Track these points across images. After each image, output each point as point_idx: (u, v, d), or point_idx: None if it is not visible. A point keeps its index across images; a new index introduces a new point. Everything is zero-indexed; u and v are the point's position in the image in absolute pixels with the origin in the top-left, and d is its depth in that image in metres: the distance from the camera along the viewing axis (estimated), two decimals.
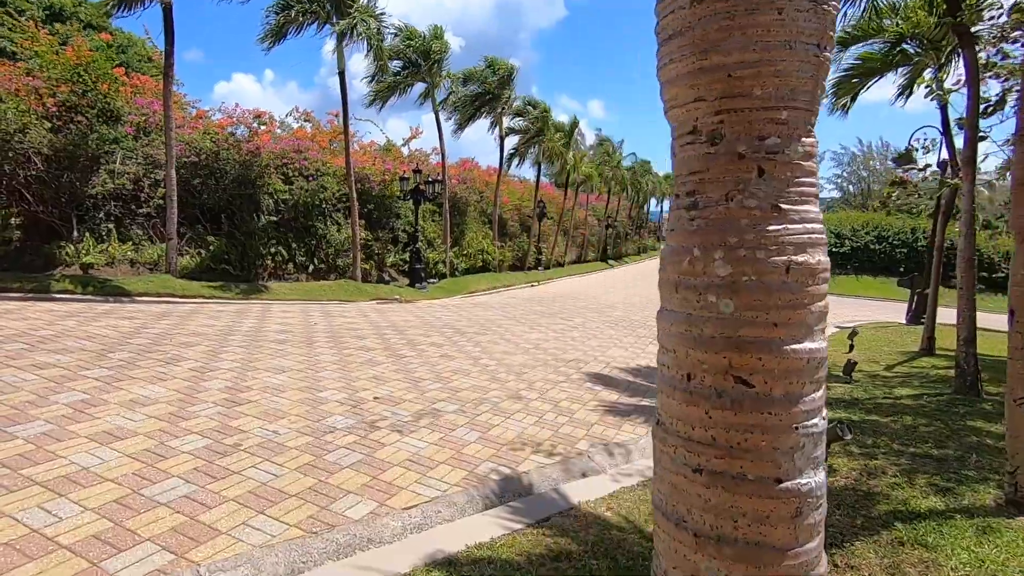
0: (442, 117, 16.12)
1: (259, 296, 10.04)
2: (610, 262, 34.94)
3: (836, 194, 66.99)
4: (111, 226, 9.73)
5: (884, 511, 3.16)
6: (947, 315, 16.54)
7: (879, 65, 9.06)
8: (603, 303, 15.68)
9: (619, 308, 14.84)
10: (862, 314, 18.10)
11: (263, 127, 14.95)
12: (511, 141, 20.08)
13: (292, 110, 15.90)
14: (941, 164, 14.60)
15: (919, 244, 27.64)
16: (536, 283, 20.25)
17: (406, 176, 13.57)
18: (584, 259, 31.75)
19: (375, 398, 4.93)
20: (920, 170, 15.79)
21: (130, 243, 9.83)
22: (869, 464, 3.96)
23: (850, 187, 65.71)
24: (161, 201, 10.24)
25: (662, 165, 47.59)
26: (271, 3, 11.55)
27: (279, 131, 16.38)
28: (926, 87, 8.09)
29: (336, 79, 12.30)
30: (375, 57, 13.30)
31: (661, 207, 52.25)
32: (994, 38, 7.17)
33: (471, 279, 17.07)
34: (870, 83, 9.47)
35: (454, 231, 16.93)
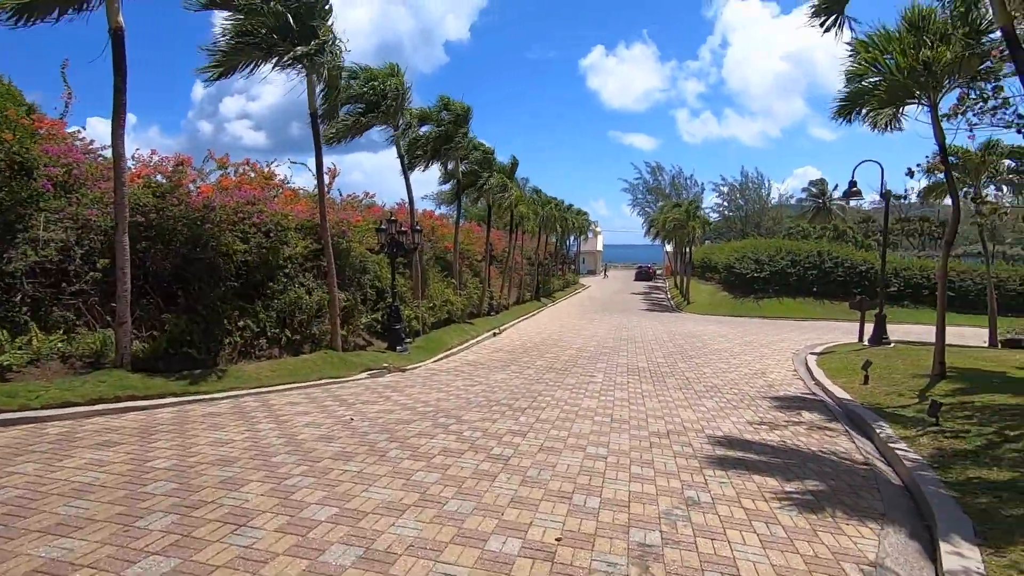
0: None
1: (242, 384, 8.07)
2: (542, 300, 34.71)
3: (716, 219, 72.90)
4: (28, 312, 7.37)
5: None
6: (900, 332, 17.79)
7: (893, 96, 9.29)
8: (590, 348, 15.02)
9: (610, 352, 14.23)
10: (817, 337, 19.03)
11: (183, 175, 12.67)
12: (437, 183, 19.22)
13: (208, 156, 13.36)
14: (883, 195, 15.89)
15: (825, 265, 30.29)
16: (497, 330, 19.18)
17: (382, 227, 12.09)
18: (522, 299, 31.21)
19: (557, 540, 3.68)
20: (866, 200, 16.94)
21: (60, 332, 7.51)
22: None
23: (728, 214, 71.98)
24: (99, 274, 8.04)
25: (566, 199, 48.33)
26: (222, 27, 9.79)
27: (200, 182, 14.14)
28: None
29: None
30: (329, 99, 11.90)
31: (578, 242, 53.43)
32: None
33: (442, 334, 15.65)
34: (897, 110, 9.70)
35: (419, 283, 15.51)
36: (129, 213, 7.97)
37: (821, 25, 7.19)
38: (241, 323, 9.42)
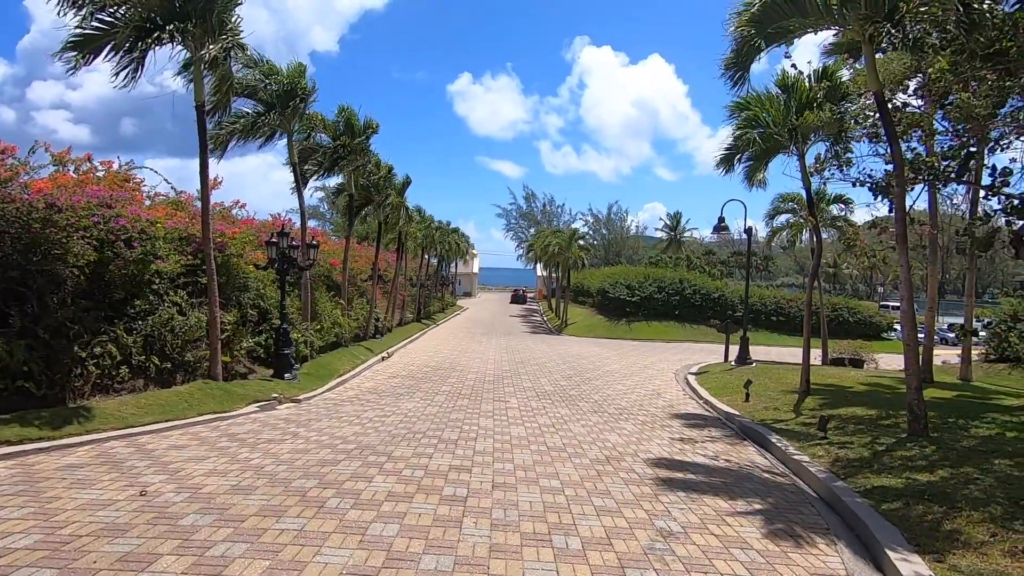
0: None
1: (103, 425, 6.52)
2: (424, 321, 33.95)
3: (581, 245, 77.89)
4: None
5: None
6: (759, 354, 19.88)
7: (769, 147, 10.59)
8: (489, 371, 14.83)
9: (511, 375, 14.15)
10: (688, 357, 20.70)
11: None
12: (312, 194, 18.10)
13: (36, 146, 10.65)
14: (747, 230, 17.87)
15: (686, 292, 33.37)
16: (387, 354, 18.18)
17: (273, 240, 10.80)
18: (404, 321, 30.19)
19: None
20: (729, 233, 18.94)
21: None
22: None
23: (593, 242, 77.19)
24: None
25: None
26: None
27: (25, 177, 11.64)
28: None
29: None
30: (219, 92, 10.56)
31: (456, 264, 53.21)
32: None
33: (331, 359, 14.38)
34: (769, 160, 11.01)
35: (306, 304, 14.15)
36: None
37: (730, 79, 8.10)
38: (98, 349, 7.73)
